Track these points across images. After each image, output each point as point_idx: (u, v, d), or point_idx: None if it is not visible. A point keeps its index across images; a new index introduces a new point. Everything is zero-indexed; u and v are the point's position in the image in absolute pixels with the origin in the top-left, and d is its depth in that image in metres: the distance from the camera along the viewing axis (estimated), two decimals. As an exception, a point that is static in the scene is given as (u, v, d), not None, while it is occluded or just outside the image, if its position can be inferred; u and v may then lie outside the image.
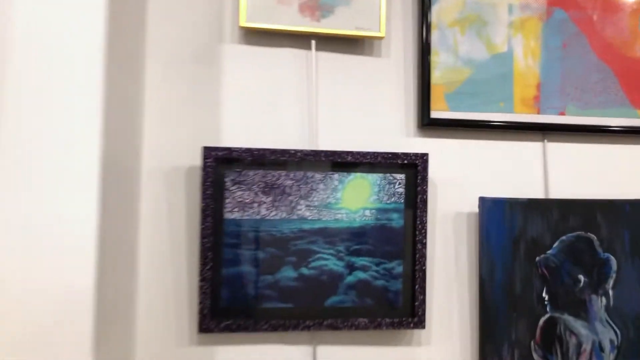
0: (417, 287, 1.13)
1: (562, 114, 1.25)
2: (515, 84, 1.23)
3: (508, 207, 1.17)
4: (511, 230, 1.16)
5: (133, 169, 1.11)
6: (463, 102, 1.21)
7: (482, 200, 1.17)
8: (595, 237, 1.19)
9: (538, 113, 1.24)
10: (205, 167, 1.11)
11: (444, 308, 1.19)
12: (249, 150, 1.13)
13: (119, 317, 1.09)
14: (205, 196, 1.11)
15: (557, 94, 1.25)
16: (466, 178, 1.22)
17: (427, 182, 1.17)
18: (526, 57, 1.25)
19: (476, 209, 1.18)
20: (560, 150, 1.26)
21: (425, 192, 1.17)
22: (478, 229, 1.17)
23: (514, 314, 1.14)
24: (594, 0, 1.28)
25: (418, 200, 1.16)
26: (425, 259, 1.14)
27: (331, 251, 1.12)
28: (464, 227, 1.21)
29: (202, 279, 1.10)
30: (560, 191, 1.24)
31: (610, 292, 1.18)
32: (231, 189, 1.13)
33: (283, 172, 1.13)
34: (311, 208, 1.14)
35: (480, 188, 1.20)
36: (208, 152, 1.12)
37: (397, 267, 1.14)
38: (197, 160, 1.12)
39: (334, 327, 1.10)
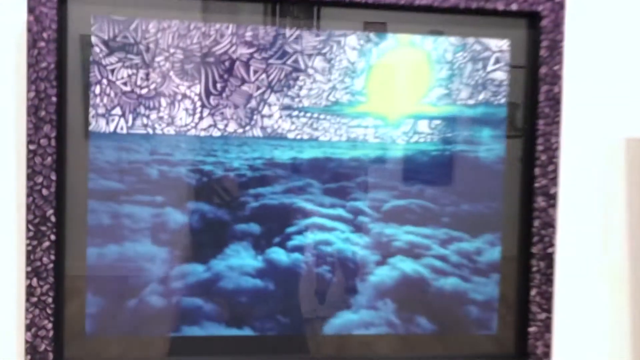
0: (533, 294, 0.59)
1: None
2: None
3: None
4: None
5: None
6: None
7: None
8: None
9: None
10: (33, 9, 0.49)
11: (587, 339, 0.66)
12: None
13: None
14: (35, 78, 0.50)
15: None
16: (635, 65, 0.65)
17: (562, 58, 0.57)
18: None
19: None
20: None
21: (557, 80, 0.57)
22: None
23: None
24: None
25: (540, 101, 0.57)
26: (553, 233, 0.58)
27: (340, 212, 0.57)
28: (625, 168, 0.65)
29: (32, 271, 0.52)
30: None
31: None
32: (105, 63, 0.53)
33: (228, 26, 0.54)
34: (294, 113, 0.55)
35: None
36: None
37: (490, 249, 0.60)
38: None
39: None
